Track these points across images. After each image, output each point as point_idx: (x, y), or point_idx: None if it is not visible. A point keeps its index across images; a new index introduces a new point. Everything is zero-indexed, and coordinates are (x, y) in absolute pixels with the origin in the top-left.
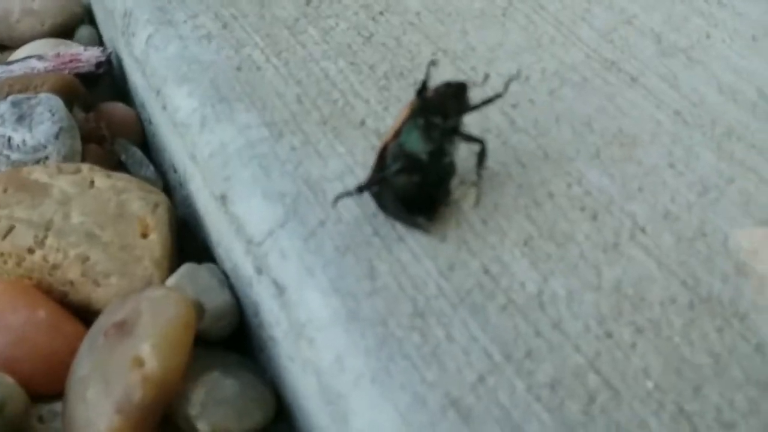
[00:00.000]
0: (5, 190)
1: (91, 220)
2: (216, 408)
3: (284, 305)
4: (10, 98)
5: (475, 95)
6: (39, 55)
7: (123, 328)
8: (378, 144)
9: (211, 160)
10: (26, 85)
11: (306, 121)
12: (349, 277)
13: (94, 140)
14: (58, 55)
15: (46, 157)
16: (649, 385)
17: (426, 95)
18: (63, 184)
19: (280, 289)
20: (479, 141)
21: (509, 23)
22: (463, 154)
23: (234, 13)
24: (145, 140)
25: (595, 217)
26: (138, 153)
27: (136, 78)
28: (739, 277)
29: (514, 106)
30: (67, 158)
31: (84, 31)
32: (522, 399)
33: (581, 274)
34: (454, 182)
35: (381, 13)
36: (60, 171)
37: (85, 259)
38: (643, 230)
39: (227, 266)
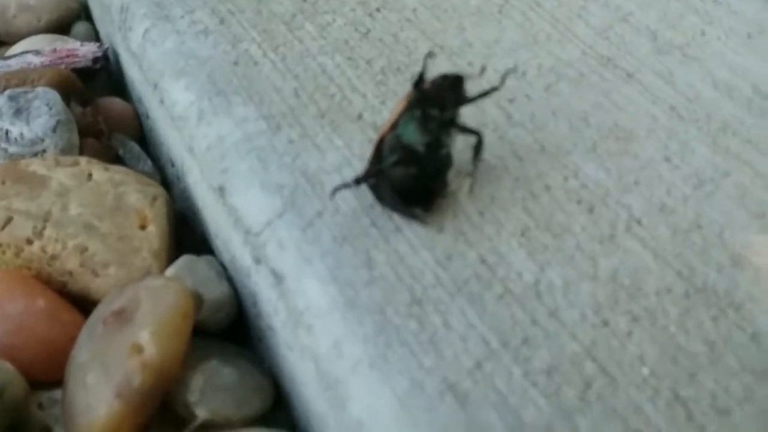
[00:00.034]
0: (3, 182)
1: (89, 212)
2: (215, 395)
3: (282, 294)
4: (7, 92)
5: (471, 89)
6: (36, 50)
7: (122, 316)
8: (375, 136)
9: (208, 153)
10: (23, 79)
11: (303, 114)
12: (347, 266)
13: (91, 135)
14: (54, 50)
15: (44, 151)
16: (645, 371)
17: (423, 87)
18: (61, 176)
19: (278, 278)
20: (476, 133)
21: (505, 20)
22: (459, 146)
23: (231, 8)
24: (142, 135)
25: (591, 210)
26: (135, 147)
27: (133, 73)
28: (735, 268)
29: (510, 101)
30: (64, 152)
31: (80, 27)
32: (519, 385)
33: (578, 265)
34: (451, 174)
35: (378, 10)
36: (58, 163)
37: (83, 250)
38: (639, 222)
39: (225, 258)
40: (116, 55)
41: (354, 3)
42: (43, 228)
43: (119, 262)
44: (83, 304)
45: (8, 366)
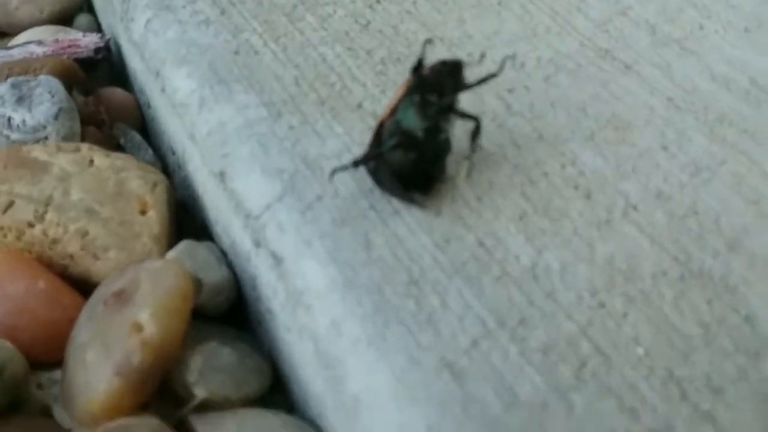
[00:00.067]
0: (5, 167)
1: (91, 197)
2: (214, 375)
3: (282, 275)
4: (10, 80)
5: (470, 77)
6: (38, 41)
7: (122, 297)
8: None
9: (209, 139)
10: (25, 68)
11: (304, 102)
12: (346, 248)
13: (93, 124)
14: (57, 41)
15: (46, 138)
16: (640, 351)
17: (422, 73)
18: (63, 162)
19: (277, 260)
20: (474, 118)
21: (505, 12)
22: (458, 132)
23: None
24: (143, 125)
25: (588, 196)
26: (137, 137)
27: (134, 62)
28: (731, 253)
29: (510, 91)
30: (66, 139)
31: (83, 18)
32: (515, 362)
33: (575, 249)
34: (450, 159)
35: (378, 2)
36: (60, 150)
37: (84, 234)
38: (635, 208)
39: (225, 243)
40: (118, 46)
41: None
42: (45, 212)
43: (120, 246)
44: (84, 287)
45: (8, 345)
